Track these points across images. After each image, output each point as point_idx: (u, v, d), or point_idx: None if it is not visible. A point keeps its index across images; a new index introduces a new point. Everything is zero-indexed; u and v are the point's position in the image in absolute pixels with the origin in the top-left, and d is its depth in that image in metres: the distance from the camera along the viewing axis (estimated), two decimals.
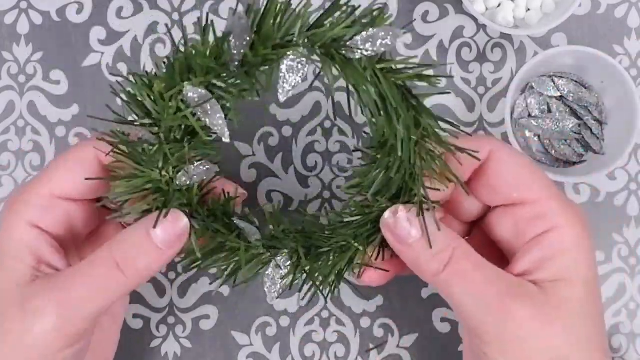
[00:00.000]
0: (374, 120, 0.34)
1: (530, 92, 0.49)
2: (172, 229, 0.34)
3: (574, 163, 0.50)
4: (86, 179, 0.36)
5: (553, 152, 0.49)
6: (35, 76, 0.51)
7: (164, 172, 0.35)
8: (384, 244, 0.38)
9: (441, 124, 0.34)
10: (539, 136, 0.50)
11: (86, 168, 0.36)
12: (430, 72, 0.33)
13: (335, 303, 0.49)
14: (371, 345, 0.49)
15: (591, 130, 0.49)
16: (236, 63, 0.32)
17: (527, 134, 0.49)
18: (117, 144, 0.35)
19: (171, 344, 0.49)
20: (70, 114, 0.51)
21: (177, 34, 0.51)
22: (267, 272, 0.38)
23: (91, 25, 0.51)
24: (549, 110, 0.50)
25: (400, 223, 0.35)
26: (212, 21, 0.32)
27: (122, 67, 0.51)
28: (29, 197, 0.36)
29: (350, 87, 0.33)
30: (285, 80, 0.32)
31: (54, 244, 0.36)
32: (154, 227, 0.34)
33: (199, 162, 0.36)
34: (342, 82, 0.32)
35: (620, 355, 0.49)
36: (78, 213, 0.37)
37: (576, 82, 0.49)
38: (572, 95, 0.49)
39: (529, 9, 0.50)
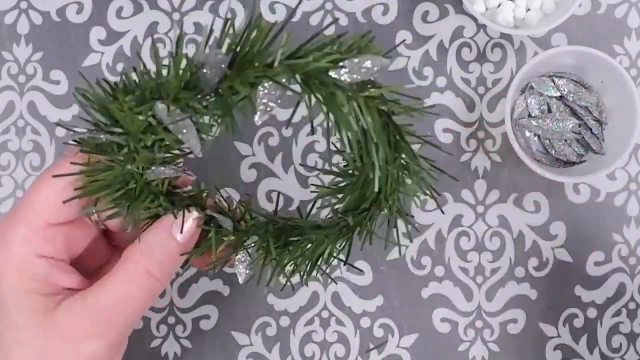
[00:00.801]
0: (350, 151, 0.32)
1: (530, 92, 0.49)
2: (191, 229, 0.36)
3: (574, 163, 0.49)
4: (64, 202, 0.35)
5: (553, 152, 0.49)
6: (35, 76, 0.51)
7: (133, 169, 0.35)
8: (343, 251, 0.39)
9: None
10: (539, 136, 0.50)
11: (71, 187, 0.35)
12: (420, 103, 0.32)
13: (335, 303, 0.49)
14: (371, 345, 0.49)
15: (591, 130, 0.49)
16: (211, 89, 0.30)
17: (527, 134, 0.49)
18: (86, 148, 0.34)
19: (171, 344, 0.49)
20: (70, 114, 0.51)
21: (174, 35, 0.51)
22: (237, 257, 0.38)
23: (91, 25, 0.51)
24: (549, 110, 0.50)
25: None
26: (183, 38, 0.30)
27: (122, 67, 0.51)
28: (26, 232, 0.35)
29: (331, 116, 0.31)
30: (261, 105, 0.30)
31: (63, 265, 0.36)
32: (181, 231, 0.35)
33: (164, 166, 0.35)
34: None
35: (620, 355, 0.49)
36: (75, 235, 0.37)
37: (576, 82, 0.49)
38: (572, 95, 0.49)
39: (529, 9, 0.50)
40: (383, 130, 0.32)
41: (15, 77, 0.51)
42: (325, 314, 0.49)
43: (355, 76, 0.29)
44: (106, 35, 0.51)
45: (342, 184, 0.39)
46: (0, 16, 0.52)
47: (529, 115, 0.50)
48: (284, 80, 0.30)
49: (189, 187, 0.39)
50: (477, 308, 0.49)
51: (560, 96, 0.50)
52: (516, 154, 0.46)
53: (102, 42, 0.51)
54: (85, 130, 0.33)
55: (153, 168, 0.35)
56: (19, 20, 0.52)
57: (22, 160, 0.51)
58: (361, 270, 0.50)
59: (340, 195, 0.39)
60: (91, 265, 0.39)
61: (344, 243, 0.40)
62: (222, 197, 0.39)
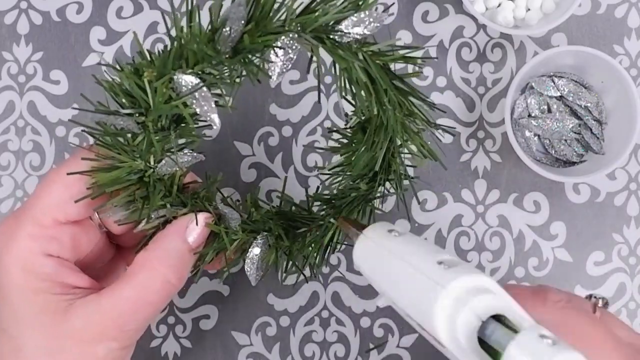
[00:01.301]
0: (357, 102, 0.35)
1: (530, 92, 0.49)
2: (202, 231, 0.36)
3: (574, 163, 0.49)
4: (75, 201, 0.35)
5: (553, 152, 0.49)
6: (35, 76, 0.51)
7: (146, 162, 0.35)
8: (362, 219, 0.41)
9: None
10: (539, 136, 0.50)
11: (82, 185, 0.35)
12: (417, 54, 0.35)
13: (335, 303, 0.49)
14: (371, 345, 0.49)
15: (591, 130, 0.49)
16: (229, 50, 0.32)
17: (527, 134, 0.49)
18: (100, 135, 0.34)
19: (171, 344, 0.49)
20: (70, 114, 0.51)
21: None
22: (247, 255, 0.38)
23: (91, 25, 0.51)
24: (549, 110, 0.50)
25: None
26: (197, 6, 0.32)
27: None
28: (33, 230, 0.35)
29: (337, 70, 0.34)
30: (276, 65, 0.33)
31: (70, 265, 0.36)
32: (192, 237, 0.36)
33: (185, 150, 0.37)
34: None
35: None
36: (82, 235, 0.37)
37: (576, 82, 0.49)
38: (572, 95, 0.49)
39: (529, 9, 0.50)
40: (388, 78, 0.34)
41: (15, 77, 0.51)
42: (325, 314, 0.49)
43: (361, 28, 0.32)
44: (106, 35, 0.51)
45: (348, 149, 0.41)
46: (0, 16, 0.52)
47: (529, 115, 0.50)
48: (296, 36, 0.32)
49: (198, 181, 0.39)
50: None
51: (560, 96, 0.50)
52: (516, 154, 0.46)
53: (102, 42, 0.51)
54: (100, 114, 0.33)
55: (165, 159, 0.35)
56: (19, 20, 0.52)
57: (22, 160, 0.51)
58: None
59: (345, 165, 0.41)
60: (94, 265, 0.39)
61: (357, 215, 0.41)
62: (224, 196, 0.39)
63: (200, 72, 0.32)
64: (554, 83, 0.49)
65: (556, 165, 0.50)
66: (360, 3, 0.32)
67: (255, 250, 0.38)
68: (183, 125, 0.35)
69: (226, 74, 0.33)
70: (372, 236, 0.35)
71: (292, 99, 0.51)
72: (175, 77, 0.32)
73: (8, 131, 0.51)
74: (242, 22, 0.31)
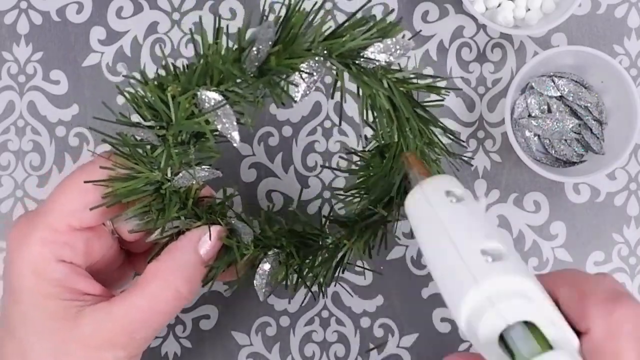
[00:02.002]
0: (379, 128, 0.35)
1: (530, 92, 0.49)
2: (215, 246, 0.37)
3: (574, 163, 0.49)
4: (91, 209, 0.35)
5: (553, 152, 0.49)
6: (35, 76, 0.51)
7: (164, 174, 0.35)
8: (370, 243, 0.41)
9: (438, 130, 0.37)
10: (539, 136, 0.50)
11: (98, 193, 0.35)
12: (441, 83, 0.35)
13: (335, 303, 0.49)
14: (371, 345, 0.49)
15: (591, 130, 0.49)
16: (254, 69, 0.32)
17: (527, 134, 0.49)
18: (119, 145, 0.35)
19: (171, 344, 0.49)
20: (70, 114, 0.51)
21: (174, 35, 0.51)
22: (257, 271, 0.38)
23: (91, 25, 0.51)
24: (549, 110, 0.50)
25: None
26: (227, 25, 0.32)
27: (122, 68, 0.51)
28: (47, 235, 0.35)
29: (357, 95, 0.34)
30: (300, 88, 0.33)
31: (82, 271, 0.36)
32: (204, 249, 0.36)
33: (204, 166, 0.37)
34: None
35: None
36: (95, 242, 0.37)
37: (576, 82, 0.49)
38: (572, 95, 0.49)
39: (529, 9, 0.50)
40: (410, 106, 0.34)
41: (15, 77, 0.51)
42: (325, 314, 0.49)
43: (387, 55, 0.32)
44: (106, 35, 0.51)
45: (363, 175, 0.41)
46: (0, 16, 0.52)
47: (529, 115, 0.50)
48: (322, 59, 0.32)
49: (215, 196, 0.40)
50: None
51: (560, 96, 0.50)
52: (516, 154, 0.46)
53: (102, 42, 0.51)
54: (123, 124, 0.34)
55: (182, 172, 0.36)
56: (19, 20, 0.52)
57: (22, 160, 0.51)
58: (364, 270, 0.50)
59: (362, 187, 0.41)
60: (104, 270, 0.39)
61: (369, 238, 0.41)
62: (238, 213, 0.40)
63: (224, 90, 0.33)
64: (554, 83, 0.49)
65: (556, 165, 0.50)
66: (387, 31, 0.33)
67: (265, 266, 0.38)
68: (203, 140, 0.35)
69: (250, 94, 0.33)
70: (428, 193, 0.32)
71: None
72: (198, 93, 0.32)
73: (8, 131, 0.51)
74: (270, 43, 0.31)
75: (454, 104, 0.51)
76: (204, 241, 0.36)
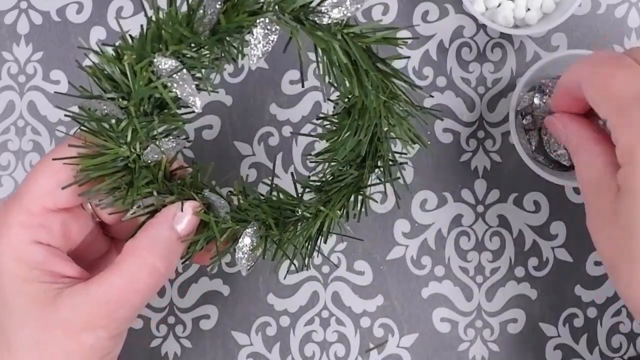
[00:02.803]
0: (338, 84, 0.35)
1: (537, 92, 0.49)
2: (192, 220, 0.36)
3: (572, 167, 0.49)
4: (63, 188, 0.35)
5: (554, 154, 0.49)
6: (35, 76, 0.51)
7: (131, 148, 0.35)
8: (347, 208, 0.40)
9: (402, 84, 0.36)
10: (540, 137, 0.50)
11: (69, 172, 0.35)
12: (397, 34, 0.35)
13: (335, 303, 0.49)
14: (371, 345, 0.49)
15: None
16: (207, 32, 0.32)
17: (529, 133, 0.49)
18: (84, 121, 0.35)
19: (171, 344, 0.49)
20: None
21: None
22: (238, 245, 0.38)
23: (91, 25, 0.51)
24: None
25: None
26: None
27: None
28: (22, 217, 0.35)
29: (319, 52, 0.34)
30: (256, 48, 0.32)
31: (60, 254, 0.36)
32: (179, 223, 0.36)
33: (170, 137, 0.37)
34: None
35: (620, 355, 0.49)
36: (72, 223, 0.37)
37: None
38: None
39: (529, 9, 0.50)
40: (369, 60, 0.34)
41: (15, 77, 0.51)
42: (325, 314, 0.49)
43: (341, 9, 0.32)
44: (106, 35, 0.51)
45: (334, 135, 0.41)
46: (0, 16, 0.52)
47: (532, 114, 0.49)
48: (275, 17, 0.32)
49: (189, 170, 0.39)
50: (477, 308, 0.49)
51: None
52: (516, 154, 0.46)
53: (102, 42, 0.51)
54: (83, 98, 0.34)
55: (151, 146, 0.35)
56: (19, 20, 0.52)
57: (22, 160, 0.51)
58: (362, 272, 0.50)
59: (332, 151, 0.40)
60: (88, 257, 0.39)
61: (345, 202, 0.40)
62: (213, 186, 0.39)
63: (179, 55, 0.32)
64: None
65: (557, 167, 0.50)
66: None
67: (245, 240, 0.38)
68: (166, 111, 0.35)
69: (205, 57, 0.33)
70: None
71: (292, 99, 0.51)
72: (155, 60, 0.32)
73: (8, 131, 0.51)
74: (219, 3, 0.31)
75: (454, 104, 0.51)
76: (179, 216, 0.36)
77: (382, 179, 0.40)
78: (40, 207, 0.35)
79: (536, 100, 0.49)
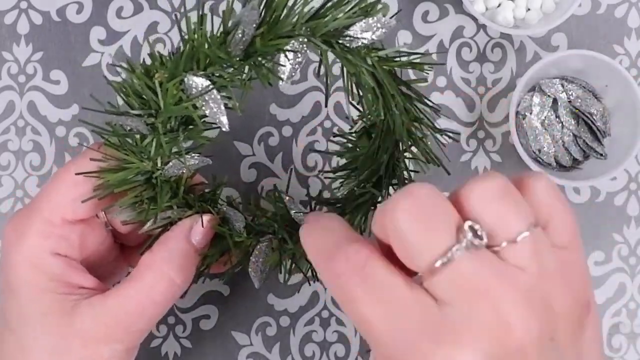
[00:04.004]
0: (365, 106, 0.36)
1: (537, 92, 0.49)
2: (206, 231, 0.36)
3: (576, 165, 0.49)
4: (83, 201, 0.35)
5: (554, 154, 0.49)
6: (35, 76, 0.51)
7: (154, 163, 0.35)
8: (361, 225, 0.40)
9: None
10: (541, 137, 0.50)
11: (90, 185, 0.35)
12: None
13: (335, 303, 0.49)
14: None
15: (595, 137, 0.49)
16: (240, 53, 0.32)
17: (529, 134, 0.49)
18: (109, 136, 0.35)
19: (171, 344, 0.49)
20: (70, 114, 0.51)
21: (174, 35, 0.51)
22: (252, 259, 0.38)
23: (91, 25, 0.51)
24: (555, 113, 0.49)
25: None
26: (211, 9, 0.33)
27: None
28: (43, 228, 0.35)
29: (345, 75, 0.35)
30: (287, 69, 0.33)
31: (77, 265, 0.36)
32: (196, 238, 0.36)
33: (193, 153, 0.37)
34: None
35: (620, 355, 0.49)
36: (90, 236, 0.37)
37: (585, 88, 0.49)
38: (579, 100, 0.49)
39: (529, 9, 0.50)
40: (394, 83, 0.35)
41: (15, 77, 0.51)
42: (325, 314, 0.49)
43: (370, 34, 0.33)
44: (106, 35, 0.51)
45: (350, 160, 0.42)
46: (0, 16, 0.52)
47: (531, 114, 0.49)
48: (305, 40, 0.33)
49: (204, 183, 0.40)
50: None
51: (568, 100, 0.49)
52: (516, 154, 0.46)
53: (102, 42, 0.51)
54: (111, 114, 0.34)
55: (173, 161, 0.36)
56: (19, 20, 0.52)
57: (22, 160, 0.51)
58: None
59: (350, 167, 0.41)
60: (98, 264, 0.39)
61: (360, 220, 0.41)
62: (230, 200, 0.40)
63: (211, 75, 0.33)
64: (563, 87, 0.49)
65: (557, 167, 0.50)
66: (369, 9, 0.33)
67: (259, 253, 0.38)
68: (192, 127, 0.35)
69: (237, 77, 0.33)
70: None
71: (292, 99, 0.51)
72: (186, 79, 0.33)
73: (8, 131, 0.51)
74: (254, 25, 0.32)
75: (454, 104, 0.51)
76: (196, 229, 0.36)
77: None
78: (61, 219, 0.35)
79: (536, 100, 0.49)
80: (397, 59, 0.35)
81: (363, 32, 0.33)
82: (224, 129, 0.34)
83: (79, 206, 0.35)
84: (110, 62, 0.51)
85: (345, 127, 0.50)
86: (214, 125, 0.34)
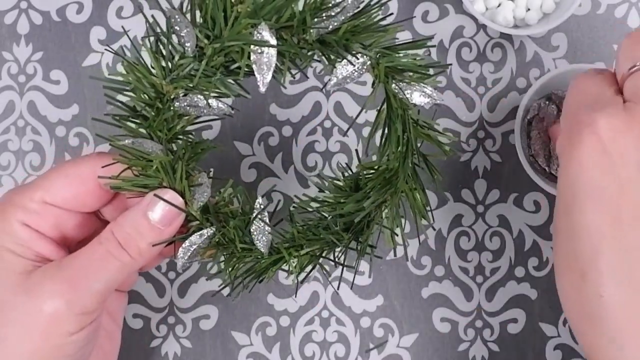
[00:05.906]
0: (386, 147, 0.38)
1: (546, 100, 0.48)
2: (167, 210, 0.36)
3: None
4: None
5: (556, 162, 0.49)
6: (35, 76, 0.51)
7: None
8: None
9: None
10: (543, 142, 0.49)
11: (83, 185, 0.37)
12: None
13: (335, 303, 0.49)
14: (371, 345, 0.49)
15: None
16: (320, 34, 0.34)
17: (533, 139, 0.49)
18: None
19: (171, 344, 0.49)
20: (70, 114, 0.51)
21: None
22: (186, 243, 0.38)
23: (91, 25, 0.51)
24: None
25: None
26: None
27: (122, 68, 0.51)
28: (20, 200, 0.37)
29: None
30: (342, 71, 0.35)
31: (49, 240, 0.38)
32: (151, 210, 0.36)
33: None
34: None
35: None
36: (69, 220, 0.38)
37: None
38: None
39: (529, 9, 0.50)
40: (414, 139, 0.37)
41: (15, 77, 0.51)
42: (325, 314, 0.49)
43: (418, 95, 0.36)
44: (106, 35, 0.51)
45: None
46: (0, 16, 0.52)
47: (537, 120, 0.49)
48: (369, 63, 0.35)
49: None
50: (477, 308, 0.49)
51: None
52: (516, 154, 0.46)
53: (102, 42, 0.51)
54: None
55: (189, 96, 0.36)
56: (19, 20, 0.52)
57: (22, 160, 0.51)
58: (362, 271, 0.50)
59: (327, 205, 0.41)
60: (83, 243, 0.40)
61: (342, 252, 0.41)
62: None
63: (281, 36, 0.33)
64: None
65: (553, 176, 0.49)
66: (426, 77, 0.36)
67: (194, 239, 0.38)
68: (232, 70, 0.36)
69: (302, 51, 0.34)
70: None
71: (292, 99, 0.51)
72: (257, 28, 0.33)
73: (8, 131, 0.51)
74: (349, 14, 0.34)
75: (454, 104, 0.51)
76: (152, 204, 0.37)
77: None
78: (39, 198, 0.37)
79: (542, 105, 0.49)
80: (426, 129, 0.37)
81: (421, 96, 0.35)
82: (260, 89, 0.33)
83: (61, 194, 0.37)
84: (110, 67, 0.51)
85: (345, 127, 0.50)
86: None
